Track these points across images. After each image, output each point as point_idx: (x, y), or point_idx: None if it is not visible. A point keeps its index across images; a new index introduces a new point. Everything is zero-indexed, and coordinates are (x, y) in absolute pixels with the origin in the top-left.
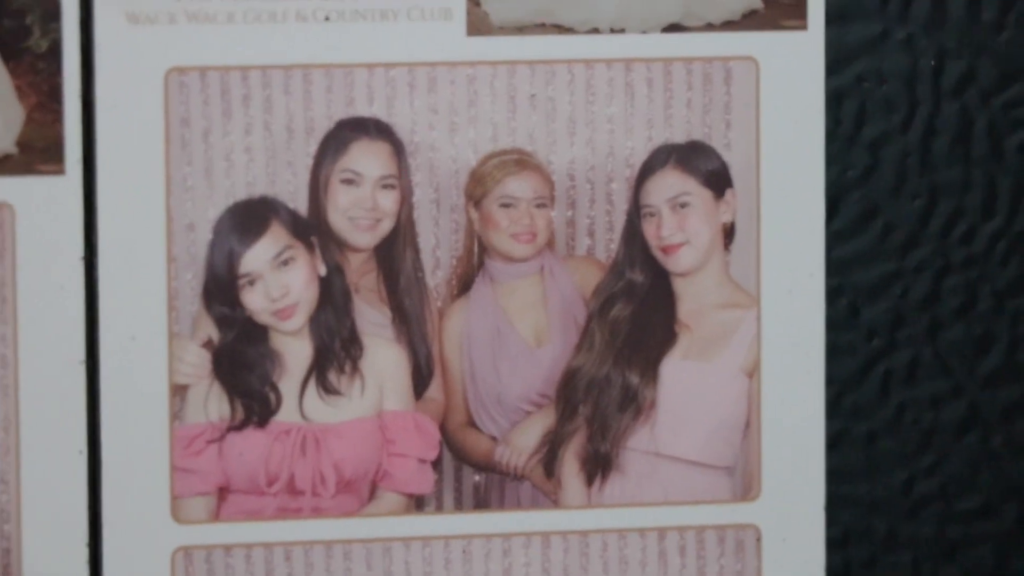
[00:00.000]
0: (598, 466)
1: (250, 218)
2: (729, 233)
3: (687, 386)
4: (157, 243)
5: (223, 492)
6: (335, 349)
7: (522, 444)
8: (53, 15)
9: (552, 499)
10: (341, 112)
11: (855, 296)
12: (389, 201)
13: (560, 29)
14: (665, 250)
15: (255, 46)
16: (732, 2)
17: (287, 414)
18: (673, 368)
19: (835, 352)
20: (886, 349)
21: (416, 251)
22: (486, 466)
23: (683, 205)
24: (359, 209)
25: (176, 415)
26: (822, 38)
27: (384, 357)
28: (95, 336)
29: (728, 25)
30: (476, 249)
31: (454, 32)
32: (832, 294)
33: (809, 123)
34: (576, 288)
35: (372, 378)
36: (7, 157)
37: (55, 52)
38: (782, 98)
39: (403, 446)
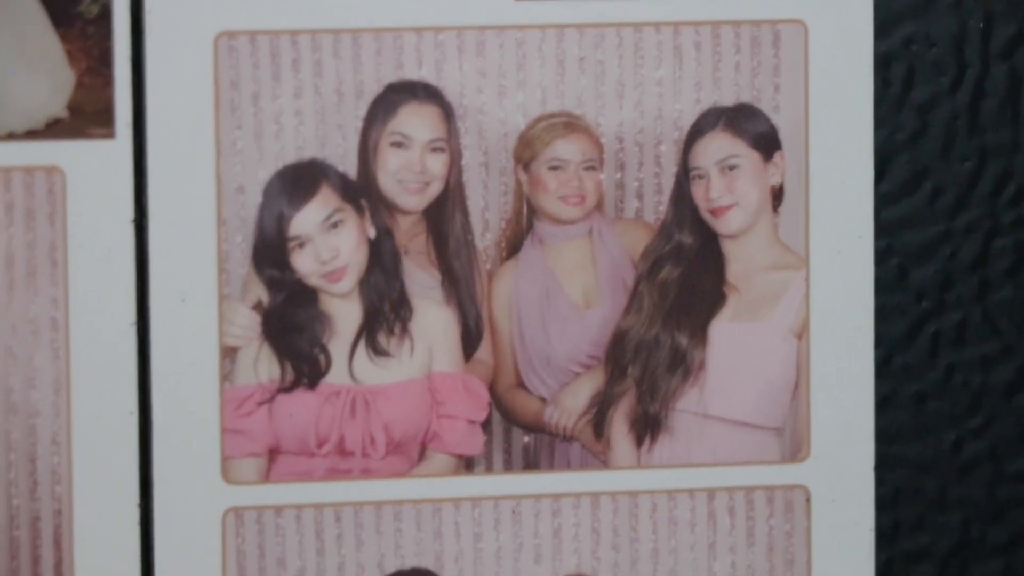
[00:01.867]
0: (647, 427)
1: (300, 181)
2: (778, 195)
3: (736, 347)
4: (207, 206)
5: (273, 453)
6: (385, 311)
7: (571, 405)
8: None
9: (601, 460)
10: (390, 76)
11: (904, 257)
12: (438, 164)
13: None
14: (714, 212)
15: (304, 10)
16: None
17: (337, 376)
18: (722, 329)
19: (884, 313)
20: (935, 310)
21: (465, 214)
22: (535, 427)
23: (732, 167)
24: (408, 172)
25: (226, 377)
26: (871, 1)
27: (433, 319)
28: (145, 298)
29: None
30: (525, 212)
31: None
32: (881, 256)
33: (858, 86)
34: (625, 250)
35: (421, 340)
36: (58, 121)
37: (105, 17)
38: (831, 60)
39: (452, 407)
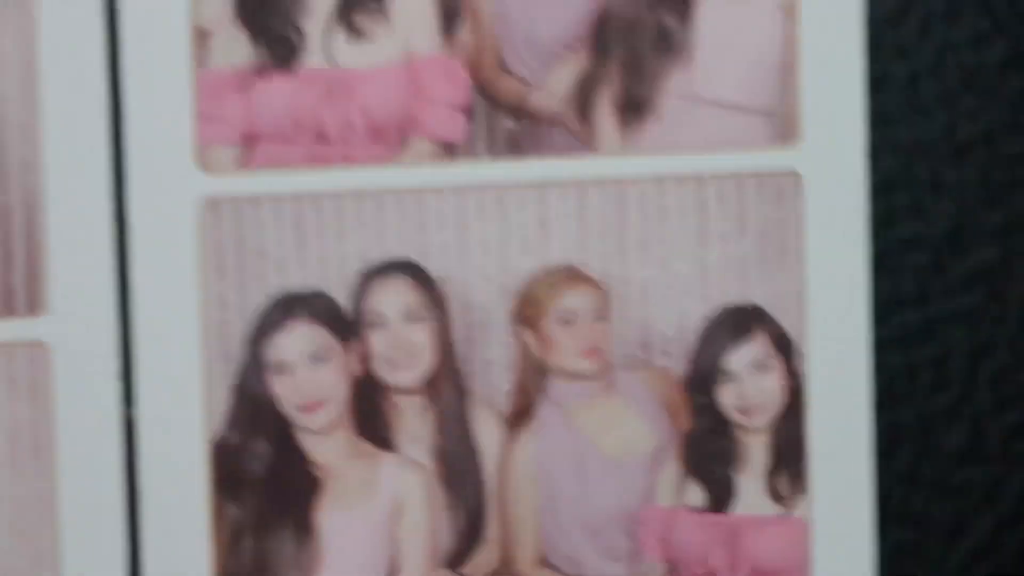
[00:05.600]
0: (633, 111)
1: None
2: None
3: (724, 24)
4: None
5: (250, 141)
6: None
7: (555, 88)
8: None
9: (587, 146)
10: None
11: None
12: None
13: None
14: None
15: None
16: None
17: (313, 58)
18: (710, 6)
19: None
20: None
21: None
22: (519, 111)
23: None
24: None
25: (200, 62)
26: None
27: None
28: None
29: None
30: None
31: None
32: None
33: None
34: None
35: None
36: None
37: None
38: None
39: (433, 92)
